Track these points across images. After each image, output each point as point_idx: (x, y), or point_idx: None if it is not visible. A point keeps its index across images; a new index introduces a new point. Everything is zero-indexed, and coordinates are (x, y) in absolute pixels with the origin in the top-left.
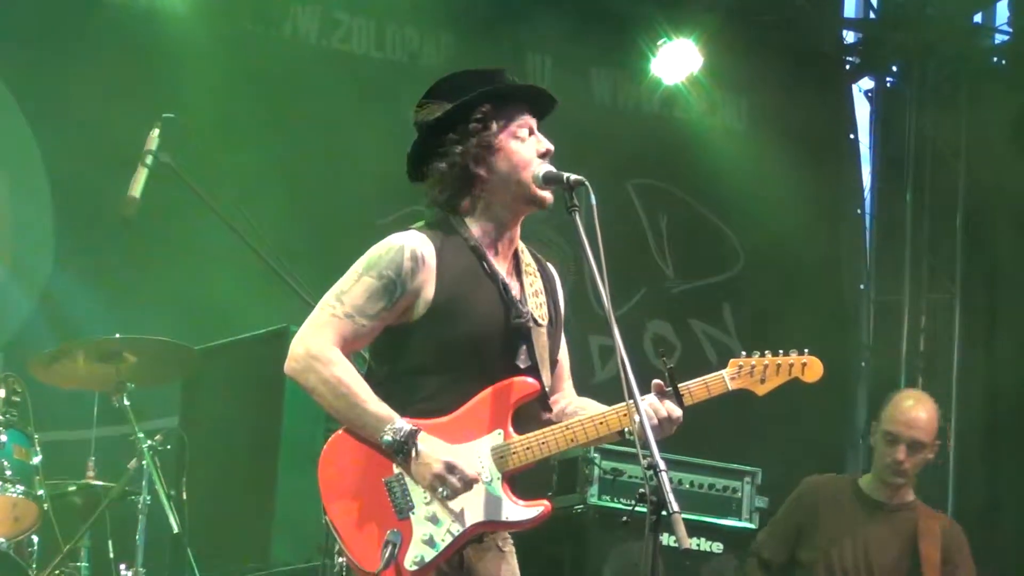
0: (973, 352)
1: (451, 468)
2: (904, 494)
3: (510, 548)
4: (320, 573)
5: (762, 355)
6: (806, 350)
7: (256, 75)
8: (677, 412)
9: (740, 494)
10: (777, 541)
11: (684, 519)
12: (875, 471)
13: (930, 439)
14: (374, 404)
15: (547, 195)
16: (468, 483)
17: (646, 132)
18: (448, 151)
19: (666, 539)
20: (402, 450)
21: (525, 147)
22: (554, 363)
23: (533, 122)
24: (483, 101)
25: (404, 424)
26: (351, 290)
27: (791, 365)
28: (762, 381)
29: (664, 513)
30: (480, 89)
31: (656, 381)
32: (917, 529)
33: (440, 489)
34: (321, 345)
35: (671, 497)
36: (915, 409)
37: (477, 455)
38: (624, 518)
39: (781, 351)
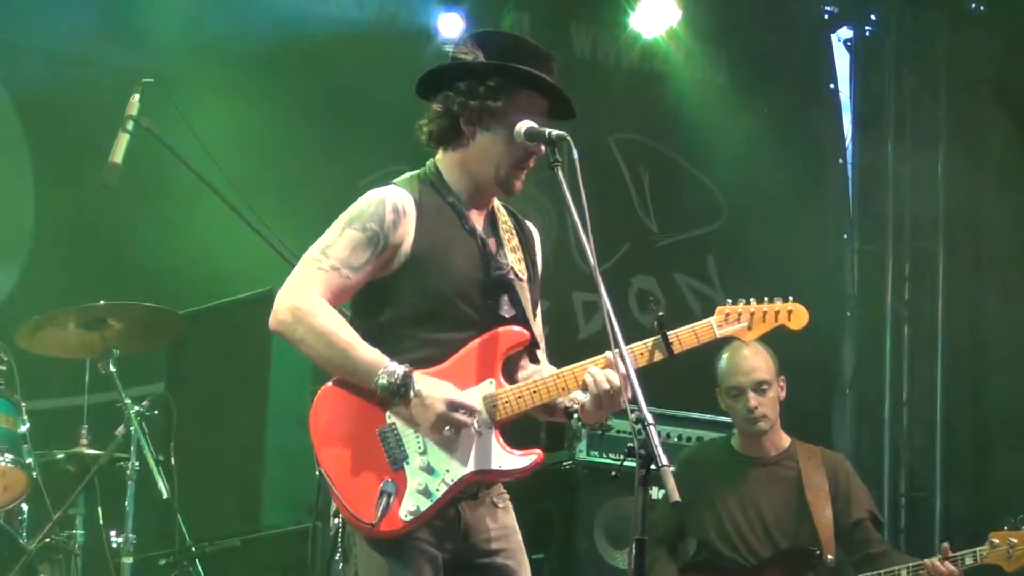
0: (958, 299)
1: (454, 405)
2: (779, 440)
3: (506, 504)
4: (311, 535)
5: (748, 302)
6: (791, 297)
7: (234, 36)
8: (616, 383)
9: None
10: (664, 519)
11: (673, 473)
12: (738, 430)
13: (771, 375)
14: (365, 350)
15: (517, 184)
16: (473, 416)
17: (627, 87)
18: (451, 97)
19: (655, 493)
20: (399, 392)
21: (521, 145)
22: (533, 319)
23: (543, 121)
24: (503, 74)
25: (397, 366)
26: (335, 243)
27: (777, 312)
28: (749, 328)
29: (653, 467)
30: (512, 62)
31: (603, 355)
32: (801, 477)
33: (446, 428)
34: (308, 297)
35: (660, 451)
36: (743, 356)
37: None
38: (613, 473)
39: (766, 298)
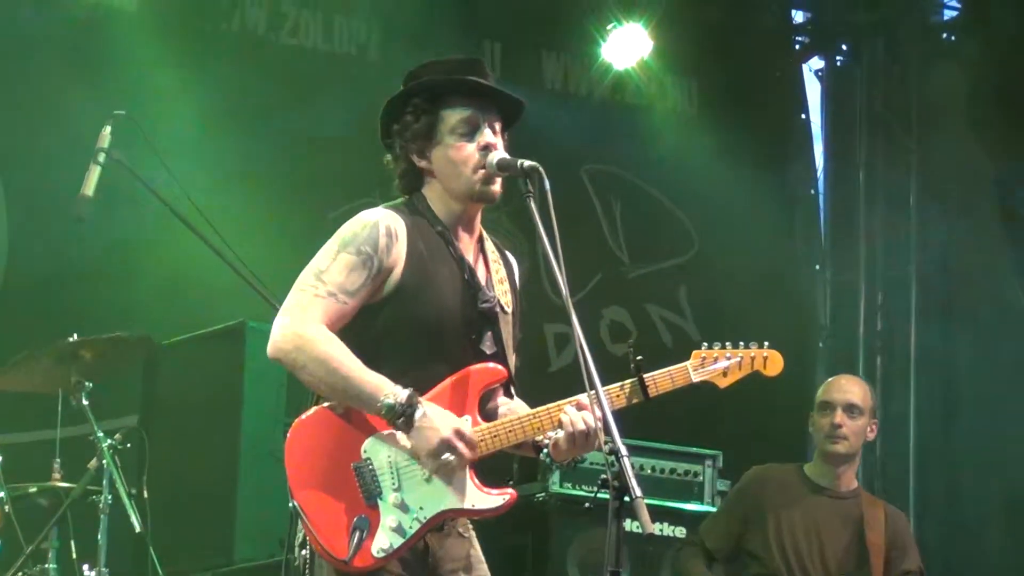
0: (930, 330)
1: (459, 433)
2: (848, 480)
3: (471, 533)
4: (283, 568)
5: (724, 347)
6: (766, 343)
7: (204, 70)
8: (592, 424)
9: (702, 478)
10: (722, 531)
11: (647, 504)
12: (817, 450)
13: (865, 405)
14: (368, 375)
15: (493, 189)
16: (474, 450)
17: (598, 117)
18: (393, 142)
19: (629, 525)
20: (404, 414)
21: (463, 144)
22: (515, 352)
23: (479, 117)
24: (411, 93)
25: (401, 390)
26: (330, 268)
27: (752, 358)
28: (724, 374)
29: (627, 499)
30: (418, 80)
31: (577, 397)
32: (863, 517)
33: (447, 455)
34: (307, 325)
35: (634, 483)
36: (847, 379)
37: None
38: (587, 504)
39: (742, 343)
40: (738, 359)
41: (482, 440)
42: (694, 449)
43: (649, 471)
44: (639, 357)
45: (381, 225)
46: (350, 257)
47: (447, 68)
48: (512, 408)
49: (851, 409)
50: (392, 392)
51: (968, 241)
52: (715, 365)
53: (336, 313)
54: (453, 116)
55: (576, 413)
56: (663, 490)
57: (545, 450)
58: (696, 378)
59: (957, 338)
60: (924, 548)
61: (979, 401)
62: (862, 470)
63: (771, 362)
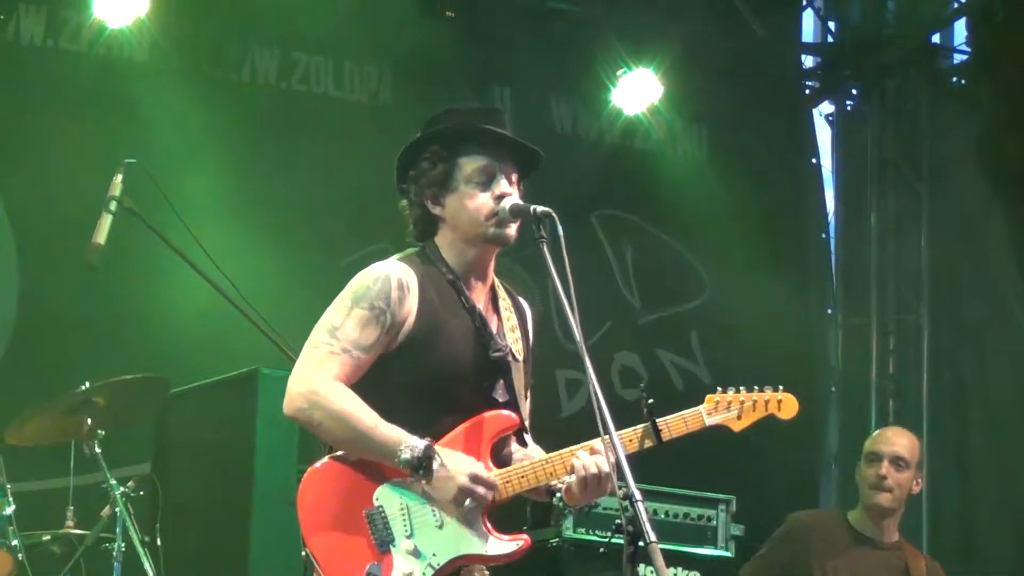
0: (943, 372)
1: (476, 478)
2: (891, 532)
3: (486, 575)
4: None
5: (738, 391)
6: (780, 387)
7: (216, 119)
8: (605, 469)
9: (716, 522)
10: (762, 573)
11: (661, 549)
12: (862, 501)
13: (912, 459)
14: (385, 428)
15: (509, 232)
16: (492, 491)
17: (608, 163)
18: (408, 188)
19: (644, 569)
20: (421, 465)
21: (478, 192)
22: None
23: (496, 167)
24: (431, 140)
25: (418, 441)
26: (344, 324)
27: (767, 401)
28: (739, 417)
29: (641, 543)
30: (436, 127)
31: (591, 443)
32: (907, 569)
33: (467, 500)
34: (323, 382)
35: (648, 527)
36: (895, 431)
37: None
38: (601, 549)
39: (756, 387)
40: (752, 402)
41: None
42: (708, 494)
43: (663, 516)
44: (651, 400)
45: (393, 278)
46: (363, 312)
47: (466, 116)
48: (528, 454)
49: (898, 461)
50: (409, 446)
51: (980, 283)
52: (729, 410)
53: (351, 368)
54: (470, 164)
55: (588, 458)
56: (677, 535)
57: (558, 494)
58: (710, 422)
59: (969, 380)
60: None
61: (992, 440)
62: None
63: (785, 405)
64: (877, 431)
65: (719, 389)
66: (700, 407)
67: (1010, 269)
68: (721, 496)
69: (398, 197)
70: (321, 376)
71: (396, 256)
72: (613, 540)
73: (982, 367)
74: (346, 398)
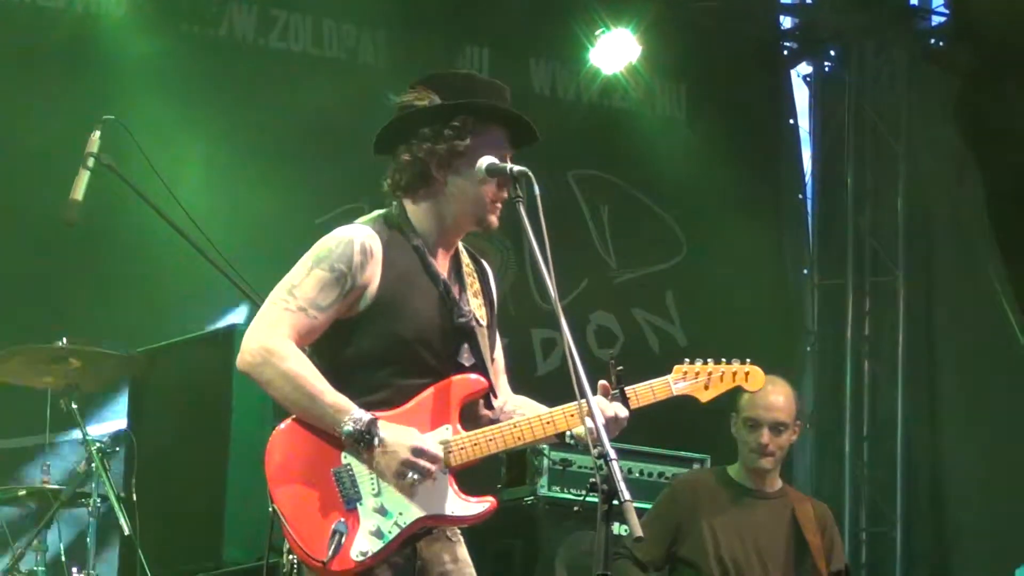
0: (917, 334)
1: (418, 451)
2: (774, 482)
3: (457, 537)
4: (269, 571)
5: (705, 362)
6: (748, 359)
7: (194, 75)
8: (624, 413)
9: None
10: (653, 541)
11: (635, 507)
12: (741, 460)
13: (791, 420)
14: (331, 395)
15: (492, 219)
16: (437, 463)
17: (586, 122)
18: (417, 144)
19: (618, 528)
20: (363, 439)
21: (492, 184)
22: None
23: (508, 152)
24: (467, 111)
25: (363, 414)
26: (302, 284)
27: (734, 373)
28: (706, 387)
29: (616, 502)
30: (473, 99)
31: (602, 382)
32: (796, 516)
33: (410, 474)
34: (276, 339)
35: (623, 486)
36: (773, 393)
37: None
38: (576, 508)
39: (724, 359)
40: (720, 373)
41: (462, 449)
42: (682, 453)
43: (638, 474)
44: (620, 368)
45: (356, 243)
46: (323, 273)
47: (490, 89)
48: (519, 406)
49: (778, 427)
50: (353, 417)
51: (954, 245)
52: (696, 380)
53: (305, 328)
54: (491, 146)
55: (605, 404)
56: (652, 493)
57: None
58: (677, 391)
59: (944, 344)
60: (912, 554)
61: (966, 403)
62: (850, 475)
63: (752, 377)
64: (753, 392)
65: (687, 360)
66: (668, 376)
67: (986, 231)
68: (695, 455)
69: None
70: (275, 333)
71: (362, 219)
72: (588, 498)
73: (957, 329)
74: (296, 359)
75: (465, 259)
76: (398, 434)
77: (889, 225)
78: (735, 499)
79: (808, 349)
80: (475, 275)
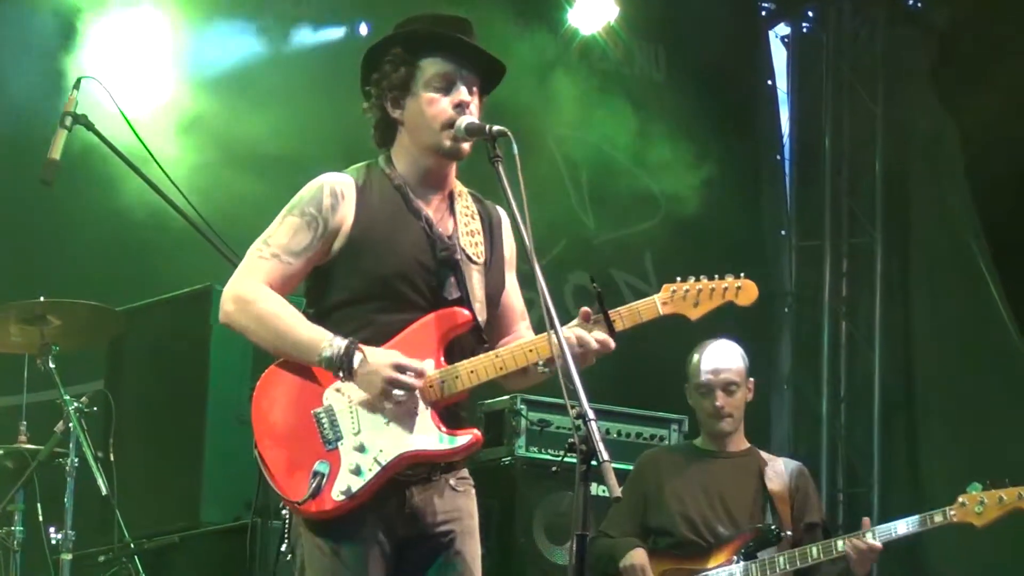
0: (894, 296)
1: (400, 367)
2: (739, 442)
3: (466, 488)
4: (250, 531)
5: (697, 279)
6: (742, 274)
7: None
8: (603, 337)
9: (668, 441)
10: (623, 517)
11: (614, 468)
12: (702, 427)
13: (741, 378)
14: (307, 328)
15: (462, 147)
16: (422, 378)
17: (564, 84)
18: (370, 91)
19: (596, 488)
20: (342, 364)
21: (437, 98)
22: (495, 303)
23: (457, 74)
24: (394, 41)
25: (340, 340)
26: (275, 232)
27: (725, 288)
28: (695, 305)
29: (594, 463)
30: (406, 30)
31: (584, 308)
32: (762, 471)
33: (395, 391)
34: (247, 285)
35: (601, 446)
36: (719, 354)
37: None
38: (553, 468)
39: (716, 275)
40: (710, 289)
41: (443, 381)
42: (660, 413)
43: (616, 435)
44: (600, 290)
45: (326, 187)
46: (294, 219)
47: (432, 22)
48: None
49: (729, 387)
50: (330, 343)
51: (932, 206)
52: (685, 298)
53: (281, 274)
54: (431, 68)
55: (583, 332)
56: (630, 454)
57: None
58: (664, 311)
59: (921, 305)
60: (889, 515)
61: (941, 364)
62: (827, 436)
63: (744, 291)
64: (698, 357)
65: (679, 279)
66: (655, 296)
67: (963, 191)
68: (673, 416)
69: (361, 100)
70: (248, 281)
71: (347, 169)
72: (566, 459)
73: (933, 290)
74: (269, 299)
75: (467, 201)
76: (379, 354)
77: (867, 186)
78: (699, 462)
79: (786, 310)
80: (477, 216)
